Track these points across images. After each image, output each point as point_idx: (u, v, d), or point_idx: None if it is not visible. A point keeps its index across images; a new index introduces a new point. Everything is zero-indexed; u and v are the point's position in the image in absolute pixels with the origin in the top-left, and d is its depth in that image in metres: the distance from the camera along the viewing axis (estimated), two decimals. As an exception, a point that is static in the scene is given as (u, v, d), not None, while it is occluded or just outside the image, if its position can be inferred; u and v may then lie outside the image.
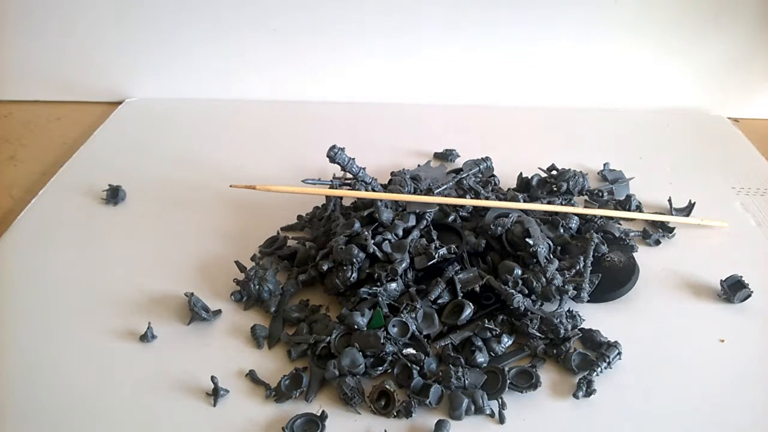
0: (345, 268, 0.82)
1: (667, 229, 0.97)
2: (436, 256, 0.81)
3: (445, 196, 0.95)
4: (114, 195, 1.03)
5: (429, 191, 0.95)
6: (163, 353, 0.78)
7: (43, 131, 1.29)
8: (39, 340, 0.79)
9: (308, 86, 1.36)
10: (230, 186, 0.88)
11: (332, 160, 0.91)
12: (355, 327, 0.76)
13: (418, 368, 0.74)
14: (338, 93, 1.36)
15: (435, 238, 0.87)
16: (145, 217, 1.01)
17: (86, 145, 1.20)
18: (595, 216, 0.95)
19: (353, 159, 0.93)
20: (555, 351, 0.77)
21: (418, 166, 1.12)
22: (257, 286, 0.83)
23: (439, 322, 0.79)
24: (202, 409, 0.71)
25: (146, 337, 0.78)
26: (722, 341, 0.80)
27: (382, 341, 0.74)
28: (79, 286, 0.87)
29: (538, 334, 0.78)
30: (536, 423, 0.70)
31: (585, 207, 1.00)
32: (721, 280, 0.86)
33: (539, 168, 1.08)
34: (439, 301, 0.81)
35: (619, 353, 0.76)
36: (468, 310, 0.78)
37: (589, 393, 0.72)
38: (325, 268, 0.83)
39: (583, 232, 0.92)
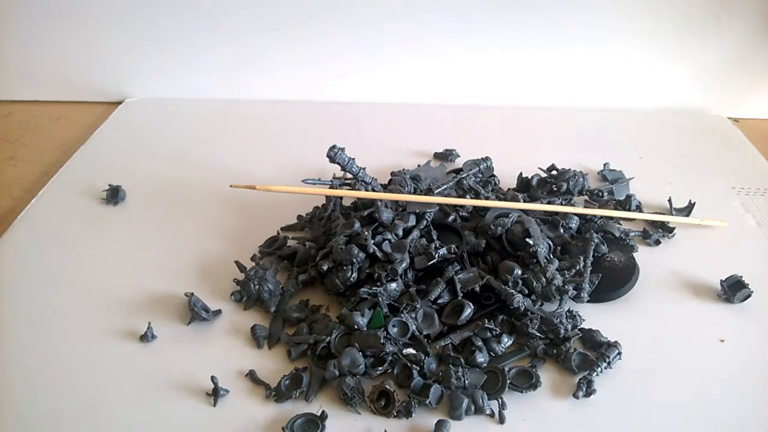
0: (345, 268, 0.82)
1: (667, 229, 0.97)
2: (436, 256, 0.81)
3: (445, 196, 0.95)
4: (114, 195, 1.03)
5: (429, 191, 0.95)
6: (163, 353, 0.78)
7: (43, 131, 1.29)
8: (39, 340, 0.79)
9: (308, 86, 1.36)
10: (230, 186, 0.87)
11: (332, 160, 0.91)
12: (355, 327, 0.76)
13: (418, 368, 0.74)
14: (338, 93, 1.36)
15: (435, 238, 0.87)
16: (145, 217, 1.01)
17: (86, 145, 1.20)
18: (595, 216, 0.95)
19: (353, 159, 0.93)
20: (555, 351, 0.77)
21: (418, 166, 1.12)
22: (257, 286, 0.83)
23: (439, 322, 0.79)
24: (202, 409, 0.71)
25: (146, 337, 0.78)
26: (722, 341, 0.80)
27: (382, 341, 0.74)
28: (79, 286, 0.87)
29: (538, 334, 0.78)
30: (536, 423, 0.70)
31: (585, 207, 1.00)
32: (721, 280, 0.86)
33: (539, 168, 1.08)
34: (439, 301, 0.81)
35: (619, 353, 0.76)
36: (468, 310, 0.78)
37: (589, 393, 0.72)
38: (325, 268, 0.83)
39: (583, 232, 0.92)
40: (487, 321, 0.78)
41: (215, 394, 0.71)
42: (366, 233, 0.83)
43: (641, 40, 1.29)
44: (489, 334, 0.78)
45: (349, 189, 0.95)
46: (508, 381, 0.72)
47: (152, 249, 0.94)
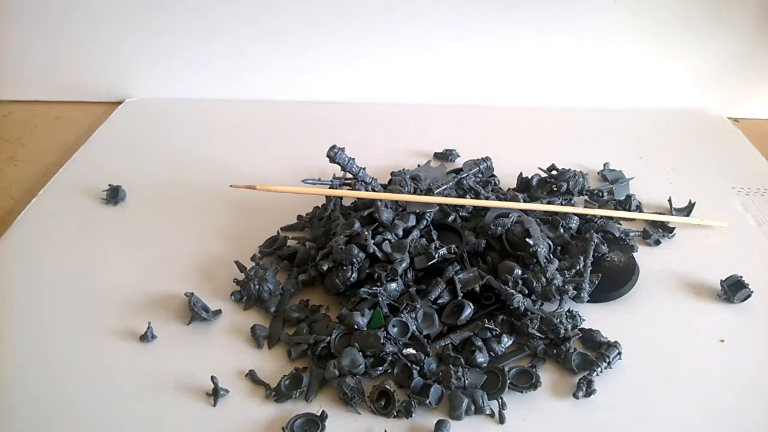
0: (345, 268, 0.82)
1: (667, 229, 0.97)
2: (436, 256, 0.81)
3: (445, 196, 0.95)
4: (114, 195, 1.03)
5: (429, 191, 0.95)
6: (163, 353, 0.78)
7: (43, 131, 1.29)
8: (39, 340, 0.79)
9: (308, 86, 1.36)
10: (230, 186, 0.87)
11: (332, 160, 0.91)
12: (355, 327, 0.76)
13: (418, 368, 0.74)
14: (338, 93, 1.36)
15: (435, 238, 0.87)
16: (145, 217, 1.01)
17: (86, 145, 1.20)
18: (595, 216, 0.95)
19: (353, 159, 0.93)
20: (555, 351, 0.77)
21: (418, 166, 1.12)
22: (257, 286, 0.83)
23: (439, 322, 0.79)
24: (202, 409, 0.71)
25: (146, 337, 0.78)
26: (722, 341, 0.80)
27: (382, 341, 0.74)
28: (79, 286, 0.87)
29: (538, 334, 0.78)
30: (536, 423, 0.70)
31: (585, 207, 1.00)
32: (721, 280, 0.86)
33: (539, 168, 1.08)
34: (439, 301, 0.81)
35: (619, 353, 0.76)
36: (468, 310, 0.78)
37: (589, 393, 0.72)
38: (325, 268, 0.83)
39: (583, 232, 0.92)
40: (487, 321, 0.78)
41: (215, 394, 0.71)
42: (366, 233, 0.83)
43: (641, 40, 1.29)
44: (489, 334, 0.78)
45: (349, 189, 0.95)
46: (508, 381, 0.72)
47: (152, 249, 0.94)
